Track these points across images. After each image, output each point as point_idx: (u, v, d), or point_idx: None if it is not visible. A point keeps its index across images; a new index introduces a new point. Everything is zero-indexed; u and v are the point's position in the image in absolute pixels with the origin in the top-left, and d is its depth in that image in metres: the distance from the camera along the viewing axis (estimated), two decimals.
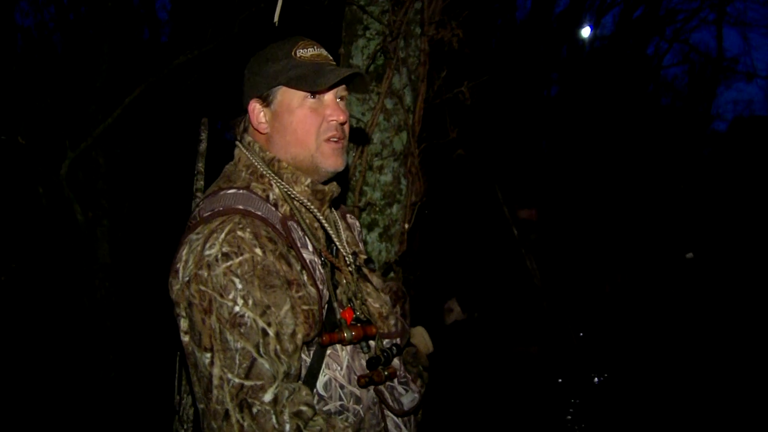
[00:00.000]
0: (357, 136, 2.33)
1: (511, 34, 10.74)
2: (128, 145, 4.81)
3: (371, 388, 1.33)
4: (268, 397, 1.12)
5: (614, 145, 10.02)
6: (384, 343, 1.38)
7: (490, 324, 2.99)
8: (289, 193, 1.33)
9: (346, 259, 1.39)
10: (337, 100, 1.36)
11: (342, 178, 1.42)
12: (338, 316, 1.30)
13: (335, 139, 1.33)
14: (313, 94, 1.32)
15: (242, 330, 1.13)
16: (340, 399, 1.27)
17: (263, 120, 1.35)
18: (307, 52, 1.34)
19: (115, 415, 4.08)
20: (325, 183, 1.38)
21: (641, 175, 8.82)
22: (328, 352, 1.28)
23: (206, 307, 1.14)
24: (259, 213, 1.24)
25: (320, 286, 1.27)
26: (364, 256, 1.48)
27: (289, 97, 1.32)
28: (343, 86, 1.37)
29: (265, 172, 1.34)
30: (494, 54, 9.84)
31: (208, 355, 1.14)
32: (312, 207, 1.35)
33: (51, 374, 4.28)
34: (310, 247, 1.31)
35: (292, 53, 1.32)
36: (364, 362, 1.32)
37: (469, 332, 2.97)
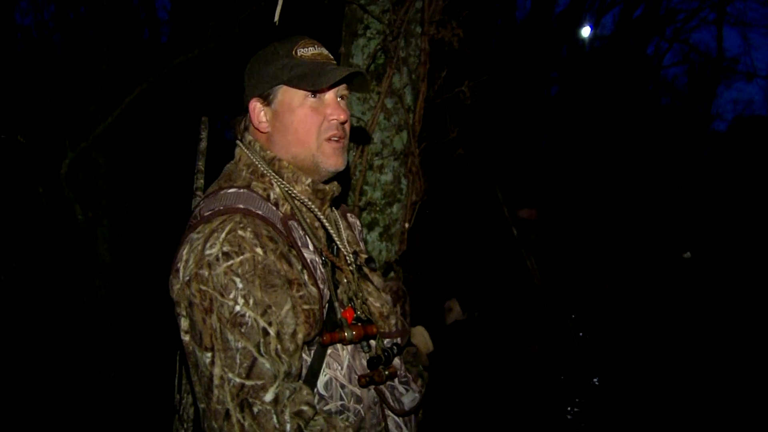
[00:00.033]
0: (357, 136, 2.32)
1: (511, 34, 10.74)
2: (128, 145, 4.81)
3: (372, 387, 1.32)
4: (269, 396, 1.12)
5: (614, 145, 10.02)
6: (385, 342, 1.37)
7: (490, 324, 2.99)
8: (289, 192, 1.32)
9: (347, 258, 1.38)
10: (338, 99, 1.35)
11: (342, 177, 1.41)
12: (339, 316, 1.29)
13: (336, 139, 1.33)
14: (314, 93, 1.32)
15: (243, 329, 1.13)
16: (341, 398, 1.27)
17: (264, 119, 1.34)
18: (308, 51, 1.34)
19: (115, 414, 4.08)
20: (326, 182, 1.38)
21: (641, 174, 8.82)
22: (329, 351, 1.28)
23: (207, 306, 1.14)
24: (260, 212, 1.24)
25: (321, 286, 1.26)
26: (364, 256, 1.47)
27: (290, 96, 1.32)
28: (344, 85, 1.36)
29: (265, 172, 1.33)
30: (494, 54, 9.84)
31: (209, 354, 1.13)
32: (313, 206, 1.34)
33: (51, 374, 4.28)
34: (311, 247, 1.30)
35: (293, 52, 1.32)
36: (364, 362, 1.32)
37: (469, 332, 2.97)
